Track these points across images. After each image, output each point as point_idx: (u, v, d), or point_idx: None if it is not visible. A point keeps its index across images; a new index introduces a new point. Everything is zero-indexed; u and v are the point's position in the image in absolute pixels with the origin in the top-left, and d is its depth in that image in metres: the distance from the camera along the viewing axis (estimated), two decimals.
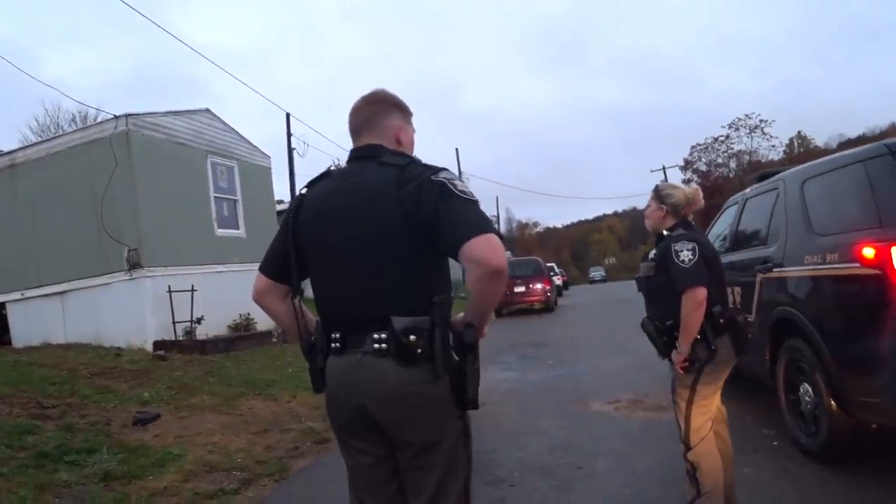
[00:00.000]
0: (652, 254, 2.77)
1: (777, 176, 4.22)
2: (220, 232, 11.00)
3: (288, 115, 19.85)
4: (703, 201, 2.79)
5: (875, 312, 2.81)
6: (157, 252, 9.37)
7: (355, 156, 1.70)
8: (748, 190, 4.84)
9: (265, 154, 12.87)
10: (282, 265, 1.70)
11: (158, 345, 8.92)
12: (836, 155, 3.58)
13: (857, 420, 3.05)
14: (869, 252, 2.79)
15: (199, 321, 9.44)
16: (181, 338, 9.28)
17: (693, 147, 43.37)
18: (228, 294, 9.74)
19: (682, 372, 2.56)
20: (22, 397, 5.39)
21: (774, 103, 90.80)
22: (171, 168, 9.88)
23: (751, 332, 2.71)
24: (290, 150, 19.76)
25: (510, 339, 11.18)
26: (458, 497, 1.59)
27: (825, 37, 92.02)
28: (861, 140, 31.05)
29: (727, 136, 41.75)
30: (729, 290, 3.66)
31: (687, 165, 43.21)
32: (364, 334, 1.53)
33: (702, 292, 2.46)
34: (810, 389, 3.35)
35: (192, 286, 9.39)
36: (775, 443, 3.74)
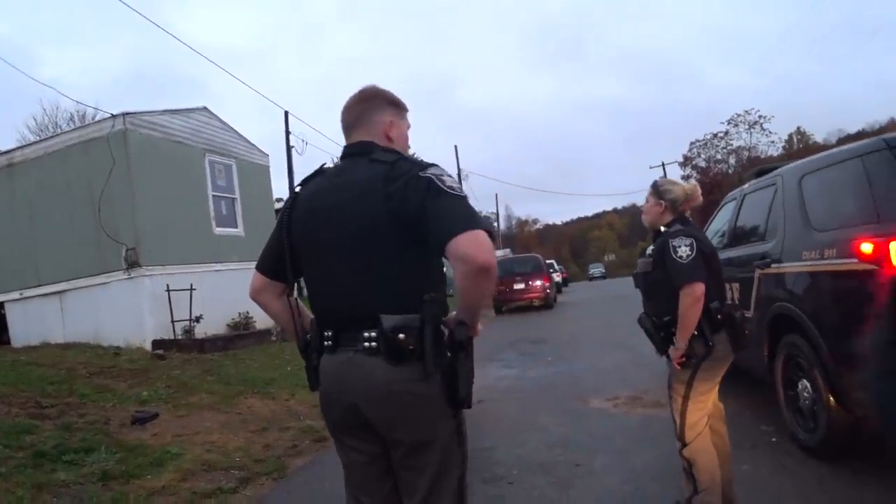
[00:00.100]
0: (649, 250, 2.76)
1: (775, 171, 4.20)
2: (219, 230, 10.99)
3: (286, 113, 19.87)
4: (701, 198, 2.77)
5: (873, 308, 2.79)
6: (155, 251, 9.36)
7: (347, 153, 1.70)
8: (746, 186, 4.82)
9: (263, 152, 12.85)
10: (277, 263, 1.70)
11: (157, 344, 8.91)
12: (834, 150, 3.57)
13: (856, 416, 3.04)
14: (867, 247, 2.78)
15: (197, 320, 9.45)
16: (180, 337, 9.28)
17: (692, 143, 43.31)
18: (227, 293, 9.72)
19: (679, 367, 2.55)
20: (20, 397, 5.38)
21: (773, 99, 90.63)
22: (168, 167, 9.86)
23: (748, 328, 2.70)
24: (289, 149, 19.76)
25: (509, 335, 11.20)
26: (452, 496, 1.57)
27: (824, 32, 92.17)
28: (860, 135, 31.07)
29: (726, 133, 41.74)
30: (727, 286, 3.65)
31: (686, 162, 43.14)
32: (356, 332, 1.53)
33: (699, 288, 2.45)
34: (808, 385, 3.35)
35: (191, 285, 9.40)
36: (773, 439, 3.73)
